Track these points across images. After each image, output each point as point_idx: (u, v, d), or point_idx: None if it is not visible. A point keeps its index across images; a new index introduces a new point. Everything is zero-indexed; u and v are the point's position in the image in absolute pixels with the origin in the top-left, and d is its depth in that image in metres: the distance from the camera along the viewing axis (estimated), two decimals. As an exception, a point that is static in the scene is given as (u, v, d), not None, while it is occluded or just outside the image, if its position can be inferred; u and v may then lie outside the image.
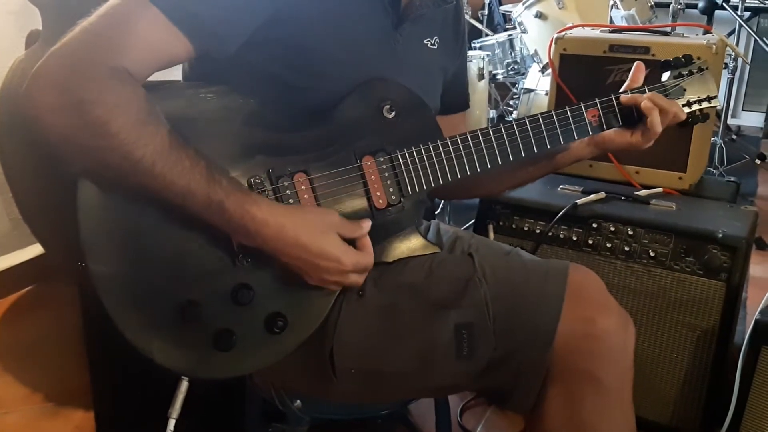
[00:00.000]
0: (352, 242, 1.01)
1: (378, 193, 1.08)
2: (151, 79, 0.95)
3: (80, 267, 0.91)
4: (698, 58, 1.29)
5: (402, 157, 1.09)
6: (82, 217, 0.91)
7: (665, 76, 1.26)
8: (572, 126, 1.17)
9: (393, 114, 1.10)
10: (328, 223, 0.98)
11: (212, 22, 0.94)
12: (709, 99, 1.26)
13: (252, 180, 0.99)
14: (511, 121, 1.14)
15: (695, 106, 1.25)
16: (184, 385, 1.05)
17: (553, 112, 1.17)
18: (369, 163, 1.08)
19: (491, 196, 1.68)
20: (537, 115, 1.16)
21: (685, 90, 1.25)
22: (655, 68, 1.75)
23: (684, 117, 1.22)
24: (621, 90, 1.22)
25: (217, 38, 0.96)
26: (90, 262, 0.91)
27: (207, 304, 0.97)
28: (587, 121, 1.18)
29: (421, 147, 1.10)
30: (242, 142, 1.00)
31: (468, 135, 1.12)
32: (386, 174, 1.09)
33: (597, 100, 1.19)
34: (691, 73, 1.26)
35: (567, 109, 1.18)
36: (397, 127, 1.10)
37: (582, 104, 1.19)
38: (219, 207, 0.90)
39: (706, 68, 1.27)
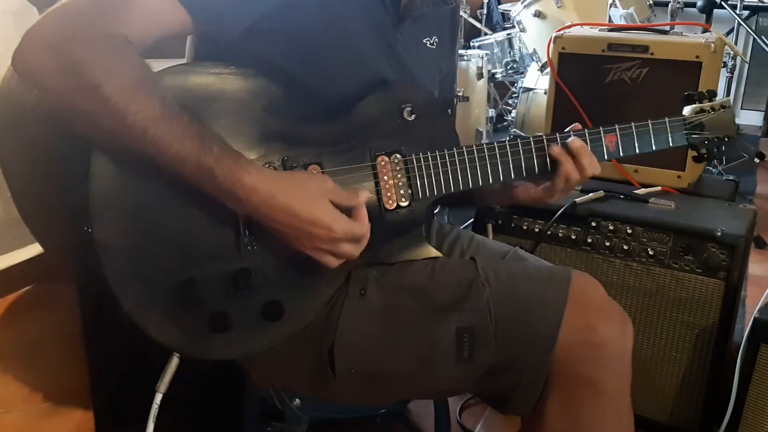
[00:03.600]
0: (348, 212, 1.00)
1: (389, 194, 1.08)
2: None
3: (86, 232, 0.92)
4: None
5: (417, 161, 1.09)
6: (93, 184, 0.92)
7: (687, 110, 1.24)
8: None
9: (413, 117, 1.10)
10: (320, 189, 0.97)
11: (218, 3, 0.96)
12: (726, 138, 1.24)
13: (266, 166, 0.99)
14: (527, 137, 1.14)
15: (713, 143, 1.24)
16: (175, 361, 1.05)
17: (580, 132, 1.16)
18: (383, 163, 1.08)
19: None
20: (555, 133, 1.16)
21: (704, 126, 1.23)
22: (653, 67, 1.76)
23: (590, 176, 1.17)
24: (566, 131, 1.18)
25: (221, 20, 0.97)
26: (96, 228, 0.92)
27: (207, 284, 0.97)
28: (604, 146, 1.17)
29: (437, 153, 1.09)
30: (262, 127, 1.00)
31: (485, 146, 1.12)
32: (399, 176, 1.09)
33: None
34: (713, 110, 1.23)
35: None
36: (415, 130, 1.10)
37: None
38: (209, 174, 0.90)
39: (729, 106, 1.25)
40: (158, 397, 1.06)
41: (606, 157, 1.18)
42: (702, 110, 1.24)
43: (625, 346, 1.05)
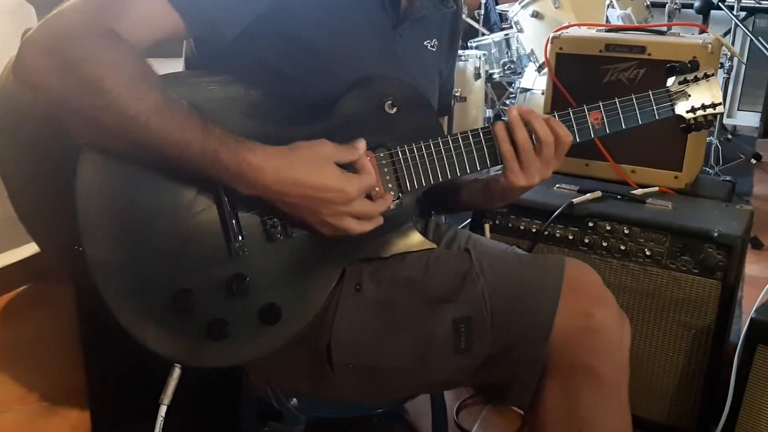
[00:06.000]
0: (352, 167, 1.01)
1: (377, 189, 1.08)
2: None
3: (77, 251, 0.91)
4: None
5: (402, 153, 1.09)
6: (80, 201, 0.92)
7: (670, 81, 1.24)
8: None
9: (395, 110, 1.10)
10: (322, 154, 0.97)
11: (211, 8, 0.96)
12: (713, 105, 1.24)
13: None
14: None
15: (699, 113, 1.24)
16: (177, 372, 1.06)
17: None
18: (369, 158, 1.08)
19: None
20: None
21: (689, 96, 1.23)
22: (650, 68, 1.76)
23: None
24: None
25: (214, 25, 0.97)
26: (87, 246, 0.92)
27: (202, 292, 0.97)
28: (590, 124, 1.17)
29: (422, 144, 1.10)
30: (244, 133, 1.00)
31: (469, 133, 1.12)
32: (386, 170, 1.09)
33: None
34: (696, 79, 1.23)
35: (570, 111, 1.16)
36: (398, 123, 1.10)
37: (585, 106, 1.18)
38: (214, 157, 0.90)
39: (713, 74, 1.25)
40: (163, 410, 1.06)
41: (592, 134, 1.17)
42: (686, 80, 1.23)
43: (622, 336, 1.06)
